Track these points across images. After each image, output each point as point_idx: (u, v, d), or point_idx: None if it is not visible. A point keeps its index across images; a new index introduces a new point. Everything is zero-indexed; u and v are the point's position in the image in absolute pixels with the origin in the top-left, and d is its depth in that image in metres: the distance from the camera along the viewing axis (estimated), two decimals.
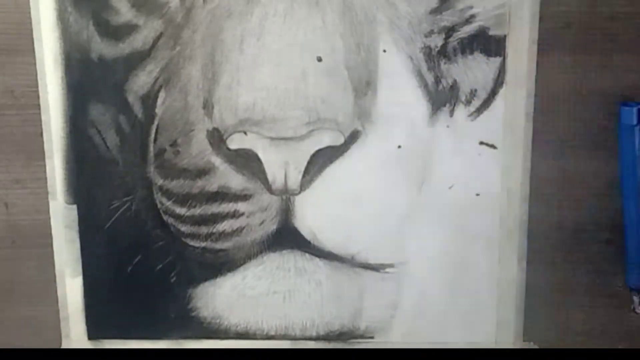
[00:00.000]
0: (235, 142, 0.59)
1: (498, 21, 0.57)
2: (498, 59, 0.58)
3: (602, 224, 0.62)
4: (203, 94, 0.59)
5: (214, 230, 0.62)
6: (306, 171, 0.59)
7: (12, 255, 0.64)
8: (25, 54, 0.59)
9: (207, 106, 0.59)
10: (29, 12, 0.58)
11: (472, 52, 0.58)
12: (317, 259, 0.62)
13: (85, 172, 0.62)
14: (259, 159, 0.59)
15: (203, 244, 0.62)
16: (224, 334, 0.64)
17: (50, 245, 0.63)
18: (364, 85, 0.58)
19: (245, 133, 0.58)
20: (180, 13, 0.58)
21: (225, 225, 0.61)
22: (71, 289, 0.64)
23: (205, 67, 0.58)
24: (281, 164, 0.59)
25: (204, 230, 0.62)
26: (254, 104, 0.58)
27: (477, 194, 0.61)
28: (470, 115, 0.59)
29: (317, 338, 0.64)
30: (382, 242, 0.62)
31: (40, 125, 0.61)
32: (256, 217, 0.61)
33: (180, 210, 0.61)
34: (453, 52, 0.58)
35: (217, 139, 0.59)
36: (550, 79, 0.59)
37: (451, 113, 0.59)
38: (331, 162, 0.60)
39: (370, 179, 0.60)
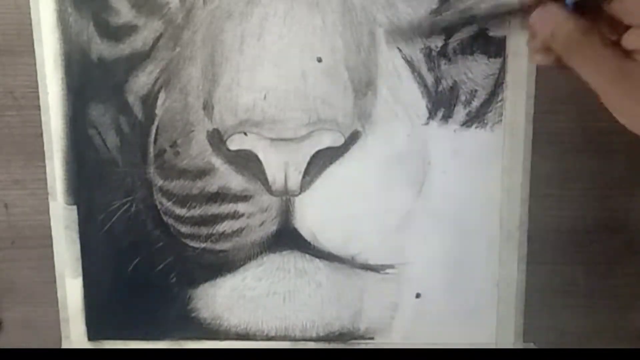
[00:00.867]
0: (235, 143, 0.59)
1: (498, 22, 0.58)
2: (498, 60, 0.58)
3: (602, 224, 0.62)
4: (203, 94, 0.59)
5: (214, 231, 0.62)
6: (306, 172, 0.59)
7: (12, 256, 0.64)
8: (25, 55, 0.59)
9: (207, 107, 0.59)
10: (29, 13, 0.58)
11: (472, 53, 0.58)
12: (317, 260, 0.62)
13: (85, 173, 0.61)
14: (259, 160, 0.59)
15: (203, 245, 0.62)
16: (224, 335, 0.64)
17: (50, 246, 0.63)
18: (364, 86, 0.58)
19: (245, 134, 0.58)
20: (180, 14, 0.58)
21: (225, 226, 0.61)
22: (71, 289, 0.64)
23: (205, 68, 0.58)
24: (281, 164, 0.59)
25: (203, 231, 0.62)
26: (254, 105, 0.58)
27: (477, 195, 0.61)
28: (471, 115, 0.59)
29: (317, 339, 0.64)
30: (382, 243, 0.62)
31: (40, 126, 0.61)
32: (256, 218, 0.61)
33: (180, 211, 0.61)
34: (453, 52, 0.58)
35: (217, 139, 0.59)
36: (550, 79, 0.59)
37: (451, 113, 0.59)
38: (331, 162, 0.60)
39: (371, 180, 0.60)
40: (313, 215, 0.61)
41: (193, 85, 0.59)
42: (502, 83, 0.59)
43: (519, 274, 0.63)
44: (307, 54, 0.58)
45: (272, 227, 0.61)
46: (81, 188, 0.62)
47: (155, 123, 0.60)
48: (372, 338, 0.64)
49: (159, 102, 0.59)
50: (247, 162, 0.59)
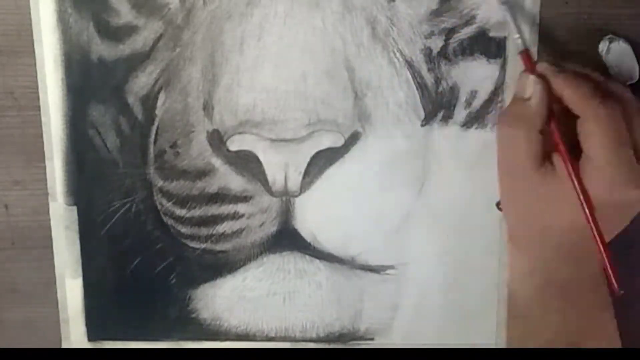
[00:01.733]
0: (235, 144, 0.59)
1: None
2: (499, 61, 0.58)
3: None
4: (203, 95, 0.59)
5: (214, 232, 0.62)
6: (306, 173, 0.59)
7: (12, 256, 0.64)
8: (25, 55, 0.59)
9: (207, 107, 0.59)
10: (29, 14, 0.58)
11: (472, 54, 0.58)
12: (317, 261, 0.62)
13: (85, 173, 0.61)
14: (259, 161, 0.59)
15: (203, 246, 0.62)
16: (224, 336, 0.64)
17: (50, 246, 0.63)
18: (364, 87, 0.58)
19: (245, 134, 0.58)
20: (180, 14, 0.58)
21: (225, 227, 0.61)
22: (71, 290, 0.64)
23: (205, 69, 0.58)
24: (281, 165, 0.59)
25: (203, 231, 0.62)
26: (254, 106, 0.58)
27: (478, 196, 0.61)
28: (471, 116, 0.59)
29: (317, 339, 0.64)
30: (382, 244, 0.62)
31: (40, 126, 0.61)
32: (256, 218, 0.61)
33: (180, 212, 0.61)
34: (453, 53, 0.58)
35: (217, 140, 0.59)
36: None
37: (451, 114, 0.59)
38: (331, 163, 0.59)
39: (371, 181, 0.60)
40: (313, 216, 0.61)
41: (193, 85, 0.59)
42: (503, 84, 0.59)
43: None
44: (307, 54, 0.58)
45: (272, 228, 0.61)
46: (81, 189, 0.62)
47: (156, 124, 0.60)
48: (372, 339, 0.64)
49: (159, 102, 0.59)
50: (247, 163, 0.59)
